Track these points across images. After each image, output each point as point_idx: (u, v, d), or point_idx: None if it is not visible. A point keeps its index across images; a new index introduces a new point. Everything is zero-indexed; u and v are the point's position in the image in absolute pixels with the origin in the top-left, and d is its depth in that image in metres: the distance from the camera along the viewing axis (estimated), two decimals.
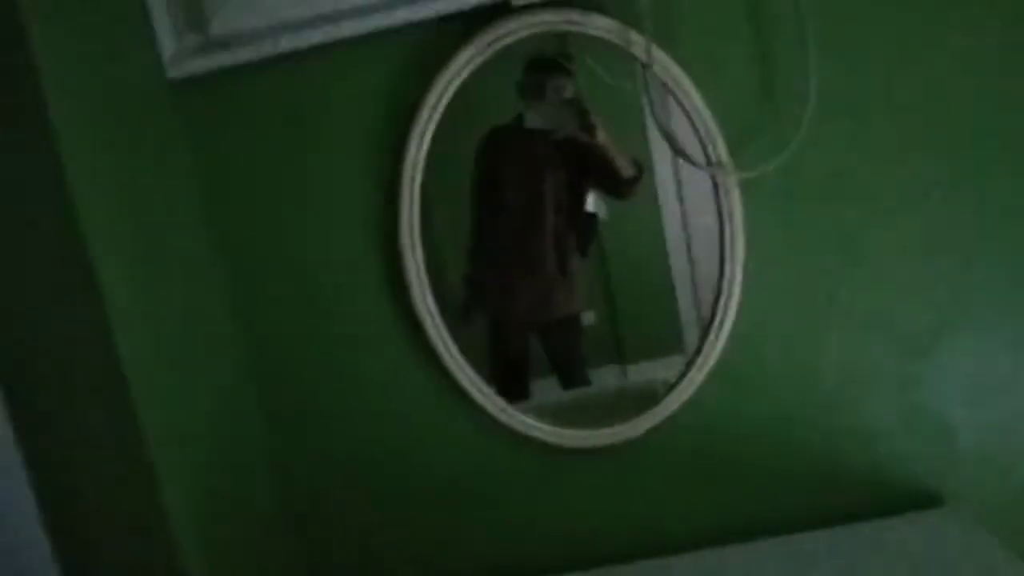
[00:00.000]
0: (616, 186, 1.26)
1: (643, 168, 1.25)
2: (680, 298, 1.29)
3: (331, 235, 1.29)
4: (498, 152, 1.27)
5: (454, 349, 1.30)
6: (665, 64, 1.20)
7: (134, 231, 1.08)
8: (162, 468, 1.00)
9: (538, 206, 1.28)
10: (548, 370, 1.35)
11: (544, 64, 1.22)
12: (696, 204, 1.26)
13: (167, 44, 1.23)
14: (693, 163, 1.23)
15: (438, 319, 1.29)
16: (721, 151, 1.23)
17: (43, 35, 0.94)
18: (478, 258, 1.30)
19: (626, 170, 1.25)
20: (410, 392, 1.33)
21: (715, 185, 1.24)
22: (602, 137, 1.23)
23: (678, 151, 1.23)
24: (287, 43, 1.22)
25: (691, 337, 1.30)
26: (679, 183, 1.26)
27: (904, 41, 1.21)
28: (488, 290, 1.32)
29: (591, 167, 1.25)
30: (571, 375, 1.35)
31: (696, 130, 1.23)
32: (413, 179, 1.23)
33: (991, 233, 1.26)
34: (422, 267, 1.26)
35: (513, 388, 1.33)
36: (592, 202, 1.28)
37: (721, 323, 1.27)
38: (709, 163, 1.23)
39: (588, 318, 1.33)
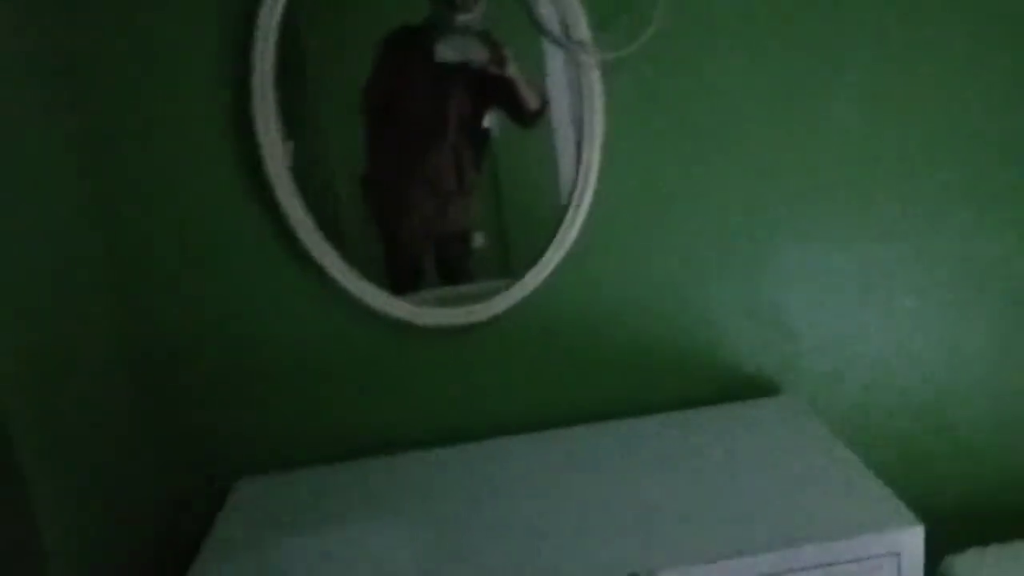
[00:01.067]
0: (522, 116, 1.28)
1: (548, 100, 1.27)
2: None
3: (185, 113, 1.23)
4: (402, 61, 1.25)
5: (310, 225, 1.27)
6: None
7: None
8: None
9: (441, 123, 1.27)
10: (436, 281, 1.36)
11: None
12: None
13: None
14: (556, 41, 1.23)
15: (296, 200, 1.25)
16: (583, 31, 1.23)
17: None
18: (374, 161, 1.28)
19: (533, 102, 1.27)
20: (263, 268, 1.30)
21: (576, 67, 1.25)
22: (512, 70, 1.24)
23: (542, 30, 1.23)
24: None
25: None
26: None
27: None
28: (385, 200, 1.31)
29: (498, 95, 1.27)
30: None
31: (558, 9, 1.22)
32: (264, 53, 1.18)
33: (839, 124, 1.32)
34: (278, 142, 1.23)
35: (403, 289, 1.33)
36: (488, 119, 1.28)
37: (578, 205, 1.29)
38: (570, 41, 1.23)
39: (477, 239, 1.34)
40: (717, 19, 1.26)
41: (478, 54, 1.24)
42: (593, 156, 1.27)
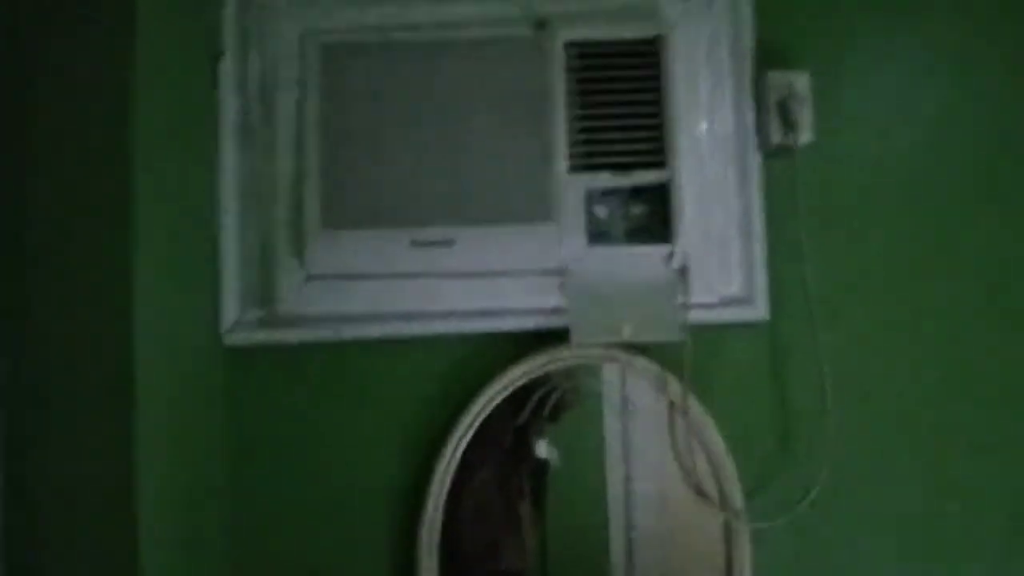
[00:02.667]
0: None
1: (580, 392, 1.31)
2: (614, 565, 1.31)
3: (348, 522, 1.31)
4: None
5: None
6: (693, 407, 1.29)
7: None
8: None
9: (489, 448, 1.29)
10: None
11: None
12: (641, 469, 1.31)
13: (230, 313, 1.29)
14: (711, 505, 1.29)
15: None
16: (737, 497, 1.29)
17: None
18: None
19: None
20: None
21: (727, 529, 1.30)
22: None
23: (699, 492, 1.30)
24: (348, 332, 1.28)
25: None
26: (627, 450, 1.31)
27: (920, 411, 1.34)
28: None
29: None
30: None
31: (716, 473, 1.30)
32: (442, 484, 1.27)
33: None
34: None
35: None
36: (543, 448, 1.31)
37: None
38: (724, 507, 1.29)
39: None
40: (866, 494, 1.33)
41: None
42: None
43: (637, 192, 1.29)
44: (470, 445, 1.28)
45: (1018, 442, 1.34)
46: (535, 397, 1.29)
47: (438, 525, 1.26)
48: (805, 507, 1.29)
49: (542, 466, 1.31)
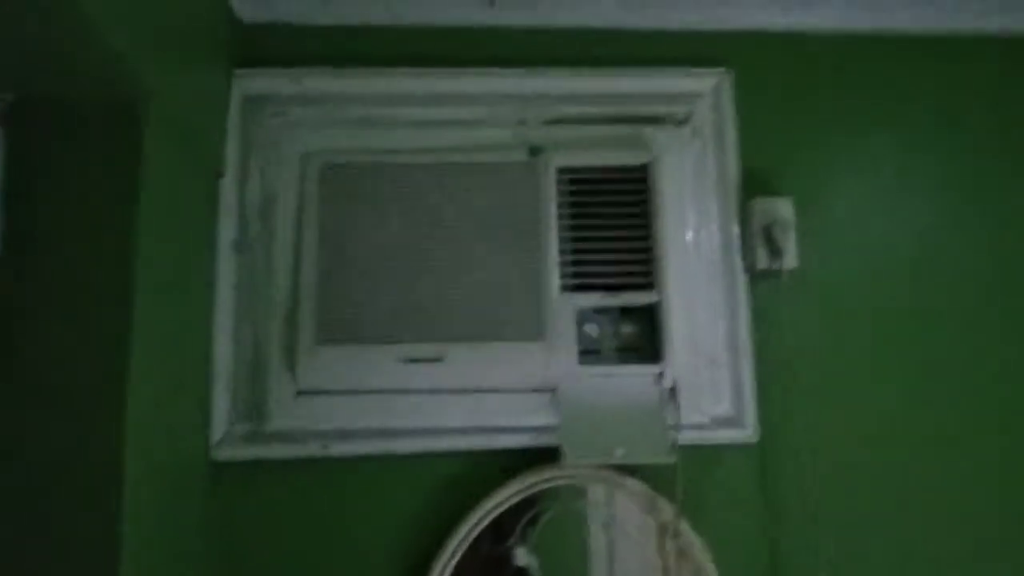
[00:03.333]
0: None
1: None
2: None
3: None
4: None
5: None
6: (684, 528, 1.27)
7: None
8: None
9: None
10: None
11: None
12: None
13: (219, 427, 1.28)
14: None
15: None
16: None
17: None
18: None
19: None
20: None
21: None
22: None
23: None
24: (336, 449, 1.28)
25: None
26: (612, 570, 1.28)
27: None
28: None
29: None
30: None
31: None
32: None
33: None
34: None
35: None
36: (522, 556, 1.27)
37: None
38: None
39: None
40: None
41: None
42: None
43: (627, 312, 1.31)
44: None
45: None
46: (523, 520, 1.27)
47: None
48: None
49: (522, 574, 1.29)
